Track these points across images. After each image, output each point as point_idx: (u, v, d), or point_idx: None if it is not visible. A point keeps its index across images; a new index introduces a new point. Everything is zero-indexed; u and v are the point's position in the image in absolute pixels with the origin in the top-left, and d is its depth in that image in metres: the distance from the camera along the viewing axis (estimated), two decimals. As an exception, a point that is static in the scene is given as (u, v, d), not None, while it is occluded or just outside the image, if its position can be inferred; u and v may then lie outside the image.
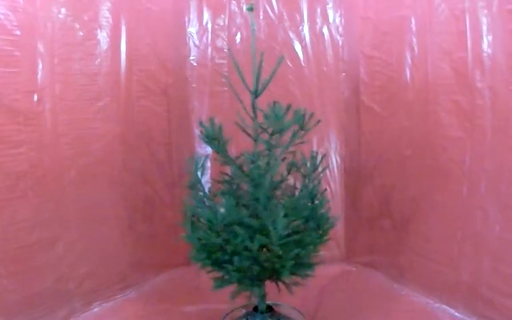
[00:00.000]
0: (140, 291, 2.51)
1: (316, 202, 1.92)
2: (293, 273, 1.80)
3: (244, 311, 2.13)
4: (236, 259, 1.72)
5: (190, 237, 1.83)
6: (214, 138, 1.87)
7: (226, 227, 1.76)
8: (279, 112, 1.80)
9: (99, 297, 2.34)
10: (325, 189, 2.00)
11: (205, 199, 1.91)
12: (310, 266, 1.85)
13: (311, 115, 1.89)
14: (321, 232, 1.87)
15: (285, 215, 1.72)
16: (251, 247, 1.70)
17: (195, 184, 1.93)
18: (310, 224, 1.85)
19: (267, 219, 1.72)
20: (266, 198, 1.79)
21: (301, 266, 1.82)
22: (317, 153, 1.98)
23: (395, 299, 2.35)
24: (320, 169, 1.96)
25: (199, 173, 1.95)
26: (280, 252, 1.72)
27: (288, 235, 1.73)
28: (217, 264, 1.79)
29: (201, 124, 1.91)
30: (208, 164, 2.75)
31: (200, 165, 1.96)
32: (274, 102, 1.85)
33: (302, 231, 1.83)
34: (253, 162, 1.84)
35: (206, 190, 1.96)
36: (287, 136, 1.88)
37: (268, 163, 1.82)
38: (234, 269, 1.73)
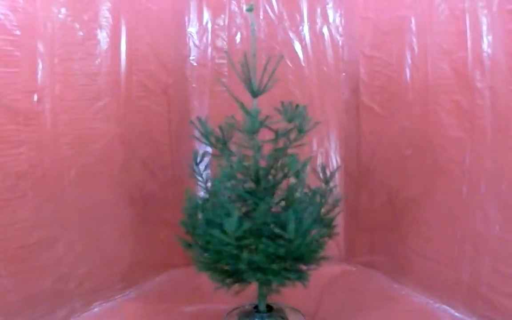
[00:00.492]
0: (140, 291, 2.51)
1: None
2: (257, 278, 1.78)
3: (244, 311, 2.13)
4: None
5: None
6: (207, 136, 1.89)
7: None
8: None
9: (99, 297, 2.34)
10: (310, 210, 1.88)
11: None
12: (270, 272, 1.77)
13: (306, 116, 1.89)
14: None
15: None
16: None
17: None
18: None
19: (222, 216, 1.72)
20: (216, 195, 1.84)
21: (260, 271, 1.76)
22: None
23: (395, 299, 2.35)
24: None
25: (197, 167, 1.99)
26: (235, 251, 1.72)
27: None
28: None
29: (191, 123, 1.95)
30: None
31: (199, 160, 1.99)
32: (282, 102, 1.87)
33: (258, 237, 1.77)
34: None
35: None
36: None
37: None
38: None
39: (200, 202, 1.92)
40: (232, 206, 1.76)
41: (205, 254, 1.84)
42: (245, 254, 1.70)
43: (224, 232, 1.67)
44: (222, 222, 1.68)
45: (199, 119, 1.93)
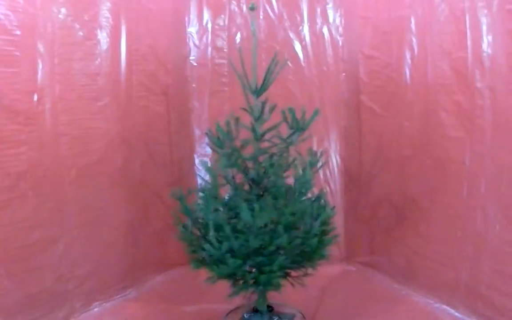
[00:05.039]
0: (140, 291, 2.51)
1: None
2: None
3: (244, 311, 2.13)
4: (281, 259, 1.72)
5: (217, 248, 1.75)
6: (231, 139, 1.87)
7: (260, 229, 1.75)
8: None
9: (99, 297, 2.34)
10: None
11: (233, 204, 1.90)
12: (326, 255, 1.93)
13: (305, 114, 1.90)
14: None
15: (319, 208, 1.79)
16: (286, 244, 1.73)
17: (213, 193, 1.89)
18: None
19: (305, 214, 1.76)
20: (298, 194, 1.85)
21: (324, 255, 1.91)
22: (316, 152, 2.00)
23: (395, 299, 2.35)
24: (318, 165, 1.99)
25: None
26: (316, 243, 1.80)
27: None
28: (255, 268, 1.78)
29: (218, 127, 1.88)
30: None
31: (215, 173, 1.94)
32: (263, 102, 1.88)
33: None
34: (271, 164, 1.86)
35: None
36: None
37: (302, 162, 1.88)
38: (276, 270, 1.73)
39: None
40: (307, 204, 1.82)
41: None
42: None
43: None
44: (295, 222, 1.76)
45: (227, 122, 1.90)
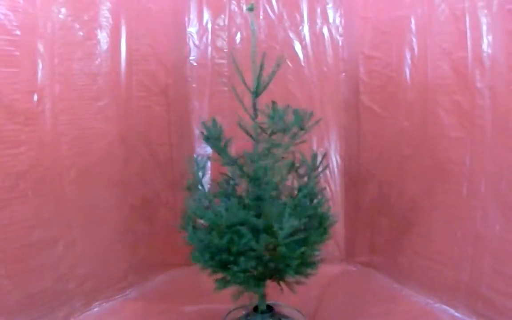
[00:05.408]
0: (140, 291, 2.51)
1: (316, 201, 1.92)
2: (297, 273, 1.81)
3: (244, 311, 2.13)
4: (242, 259, 1.71)
5: (192, 238, 1.82)
6: (216, 138, 1.88)
7: (229, 228, 1.75)
8: (281, 113, 1.80)
9: (99, 297, 2.34)
10: (324, 188, 1.97)
11: (206, 200, 1.91)
12: (313, 264, 1.86)
13: (311, 114, 1.88)
14: (322, 230, 1.87)
15: (290, 215, 1.72)
16: (256, 247, 1.70)
17: (196, 185, 1.93)
18: (311, 222, 1.86)
19: (273, 218, 1.72)
20: (271, 197, 1.80)
21: (305, 265, 1.83)
22: (316, 153, 1.99)
23: (395, 299, 2.35)
24: (320, 168, 1.96)
25: (200, 174, 1.95)
26: (286, 251, 1.73)
27: (293, 234, 1.73)
28: (221, 265, 1.78)
29: (203, 124, 1.91)
30: (208, 164, 2.75)
31: (201, 165, 1.96)
32: (273, 102, 1.85)
33: (306, 230, 1.83)
34: (253, 162, 1.84)
35: (206, 191, 1.96)
36: (286, 136, 1.88)
37: (272, 163, 1.83)
38: (239, 270, 1.72)
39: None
40: (285, 205, 1.77)
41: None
42: (300, 249, 1.74)
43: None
44: (267, 226, 1.72)
45: (213, 119, 1.92)
